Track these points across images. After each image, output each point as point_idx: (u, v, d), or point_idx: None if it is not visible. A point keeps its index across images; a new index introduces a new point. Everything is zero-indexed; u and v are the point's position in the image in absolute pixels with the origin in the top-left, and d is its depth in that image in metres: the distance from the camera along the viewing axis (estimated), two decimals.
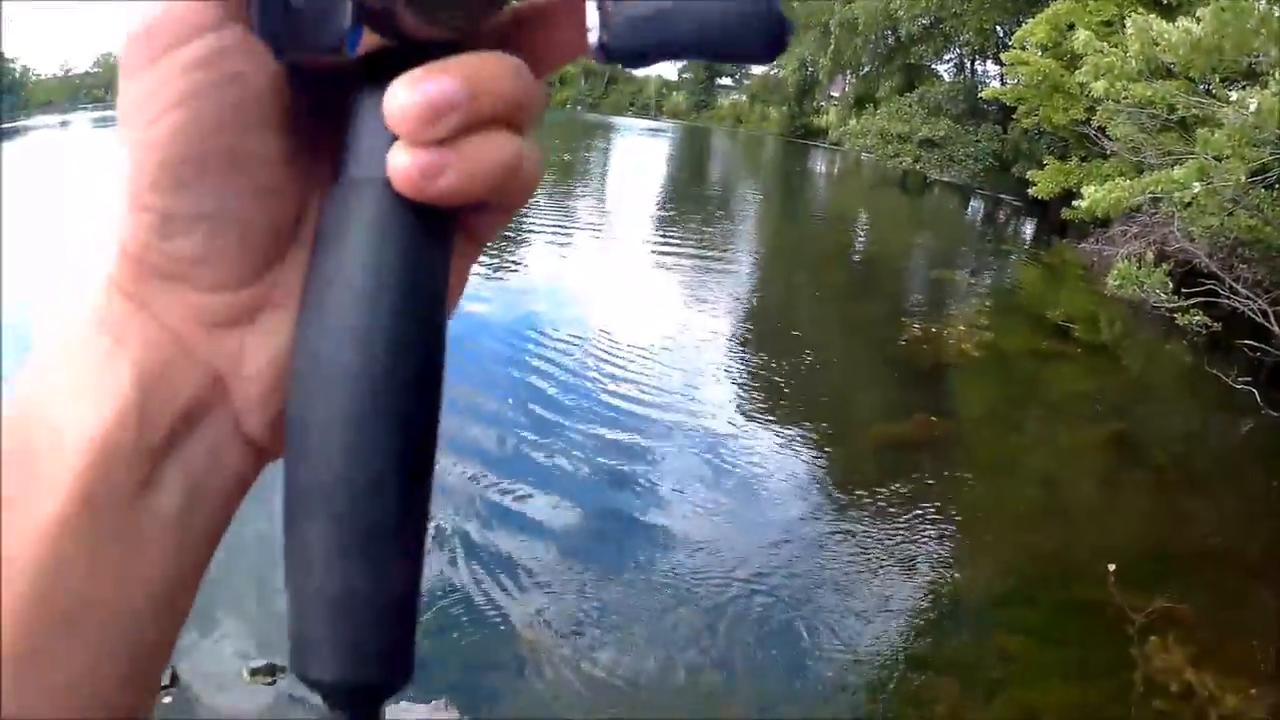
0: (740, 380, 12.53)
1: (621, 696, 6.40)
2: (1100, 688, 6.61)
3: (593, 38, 0.44)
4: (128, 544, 0.39)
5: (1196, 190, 12.24)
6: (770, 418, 11.21)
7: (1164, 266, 13.81)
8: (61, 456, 0.38)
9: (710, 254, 20.25)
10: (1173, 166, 13.09)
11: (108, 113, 64.53)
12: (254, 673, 6.39)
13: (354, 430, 0.41)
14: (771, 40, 0.44)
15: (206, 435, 0.43)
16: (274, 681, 6.38)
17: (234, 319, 0.44)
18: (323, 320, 0.42)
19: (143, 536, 0.40)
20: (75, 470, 0.38)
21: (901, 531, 8.70)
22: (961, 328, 15.16)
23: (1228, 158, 11.67)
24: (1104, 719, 6.40)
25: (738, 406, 11.51)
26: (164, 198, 0.41)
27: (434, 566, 7.80)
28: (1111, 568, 7.96)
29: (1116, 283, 14.05)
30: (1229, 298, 12.90)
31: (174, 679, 6.22)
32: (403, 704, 6.03)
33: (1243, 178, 11.57)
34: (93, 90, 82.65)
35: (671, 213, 26.15)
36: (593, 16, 0.43)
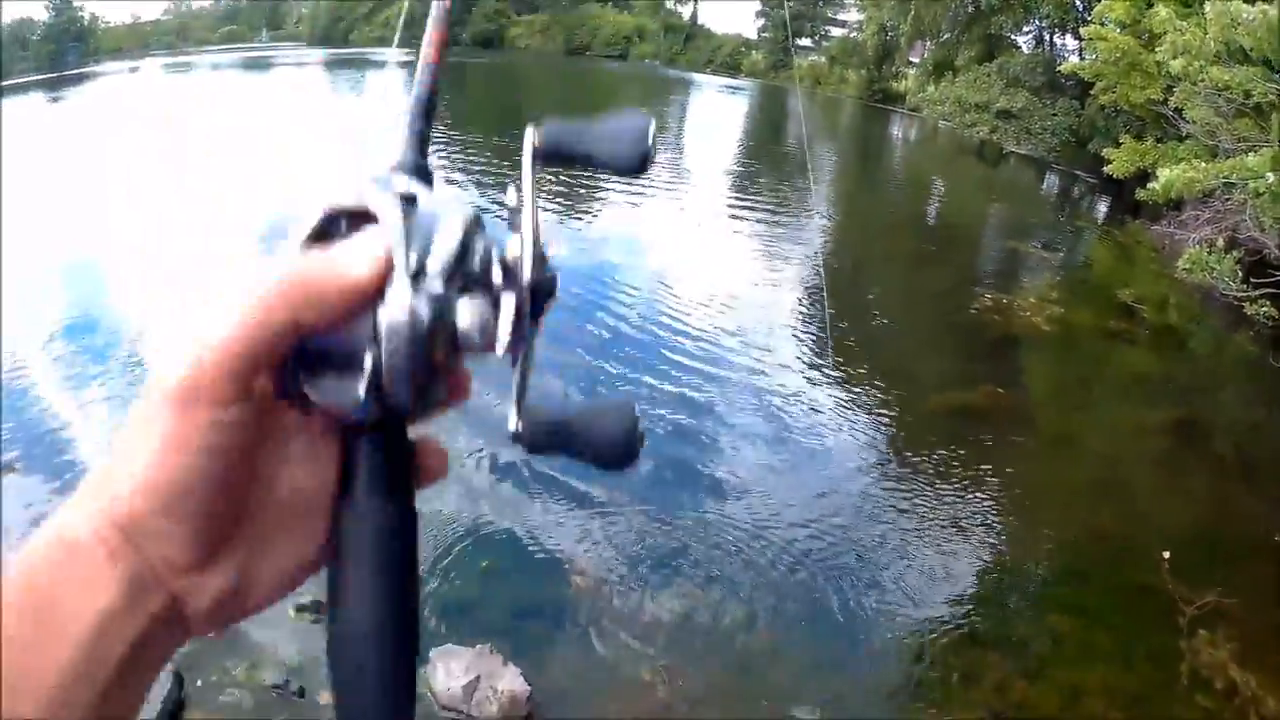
0: (807, 339, 12.84)
1: (667, 644, 6.68)
2: (1145, 676, 6.71)
3: (510, 426, 0.65)
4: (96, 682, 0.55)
5: (1270, 180, 12.38)
6: (835, 376, 11.53)
7: (1234, 254, 14.05)
8: (70, 624, 0.54)
9: (785, 213, 20.57)
10: (1247, 153, 13.40)
11: (177, 59, 64.21)
12: (299, 609, 6.55)
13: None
14: (629, 453, 0.67)
15: (163, 628, 0.58)
16: (319, 619, 6.42)
17: (197, 568, 0.59)
18: (354, 613, 0.62)
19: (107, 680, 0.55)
20: (79, 637, 0.54)
21: (959, 500, 8.90)
22: (1032, 300, 15.31)
23: None
24: (1147, 709, 6.40)
25: (803, 364, 11.83)
26: (156, 520, 0.56)
27: (484, 510, 8.09)
28: (1166, 555, 7.94)
29: (1186, 267, 14.42)
30: None
31: None
32: (447, 646, 6.20)
33: None
34: (162, 37, 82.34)
35: (748, 170, 26.03)
36: (513, 418, 0.65)
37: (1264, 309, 13.16)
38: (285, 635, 6.40)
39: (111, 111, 20.70)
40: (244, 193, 17.18)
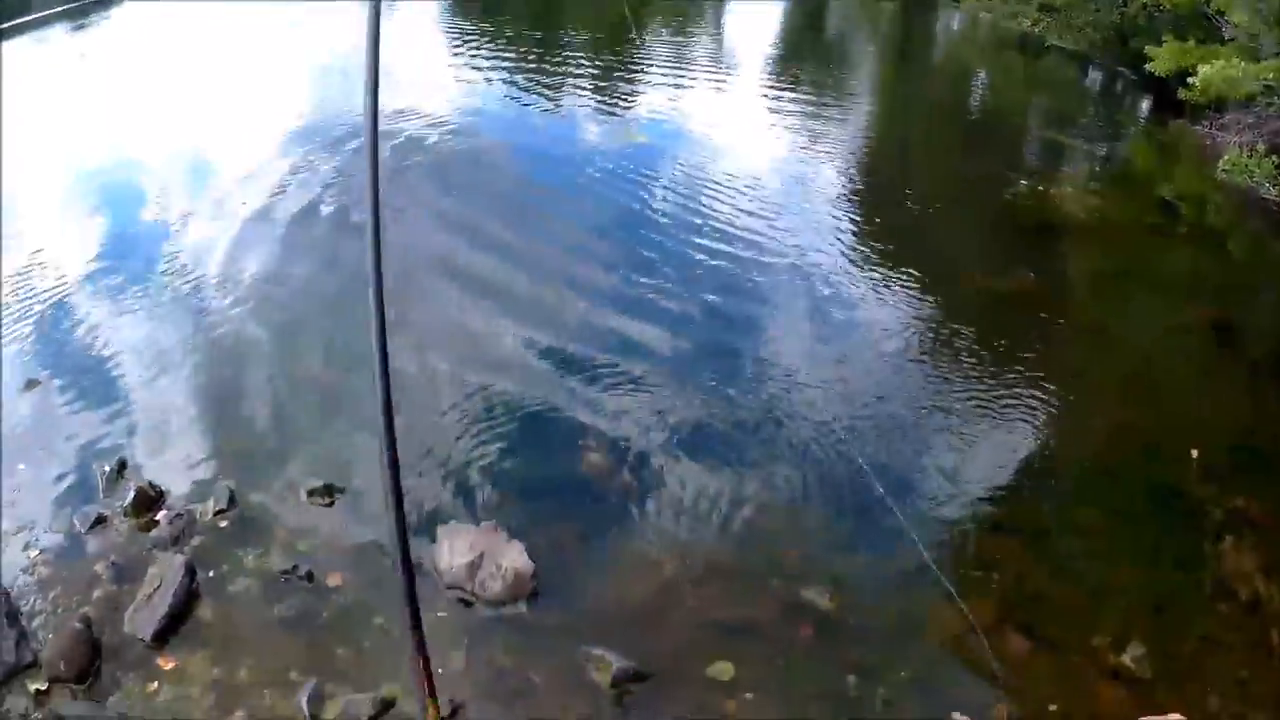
0: (847, 226, 12.75)
1: (678, 523, 6.77)
2: (1169, 580, 6.64)
3: None
4: None
5: None
6: (874, 262, 11.51)
7: (1274, 159, 13.97)
8: None
9: (825, 105, 20.14)
10: None
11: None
12: (311, 493, 6.75)
13: None
14: None
15: None
16: (332, 503, 6.70)
17: None
18: None
19: None
20: None
21: (992, 387, 8.86)
22: (1071, 191, 15.20)
23: None
24: (1168, 616, 6.31)
25: (843, 251, 11.79)
26: None
27: (497, 382, 8.20)
28: (1195, 453, 7.84)
29: (1226, 169, 14.44)
30: None
31: (231, 500, 6.62)
32: (453, 524, 6.32)
33: None
34: None
35: (787, 64, 25.87)
36: None
37: None
38: (294, 519, 6.53)
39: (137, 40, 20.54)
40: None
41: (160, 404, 7.89)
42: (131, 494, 6.60)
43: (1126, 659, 5.83)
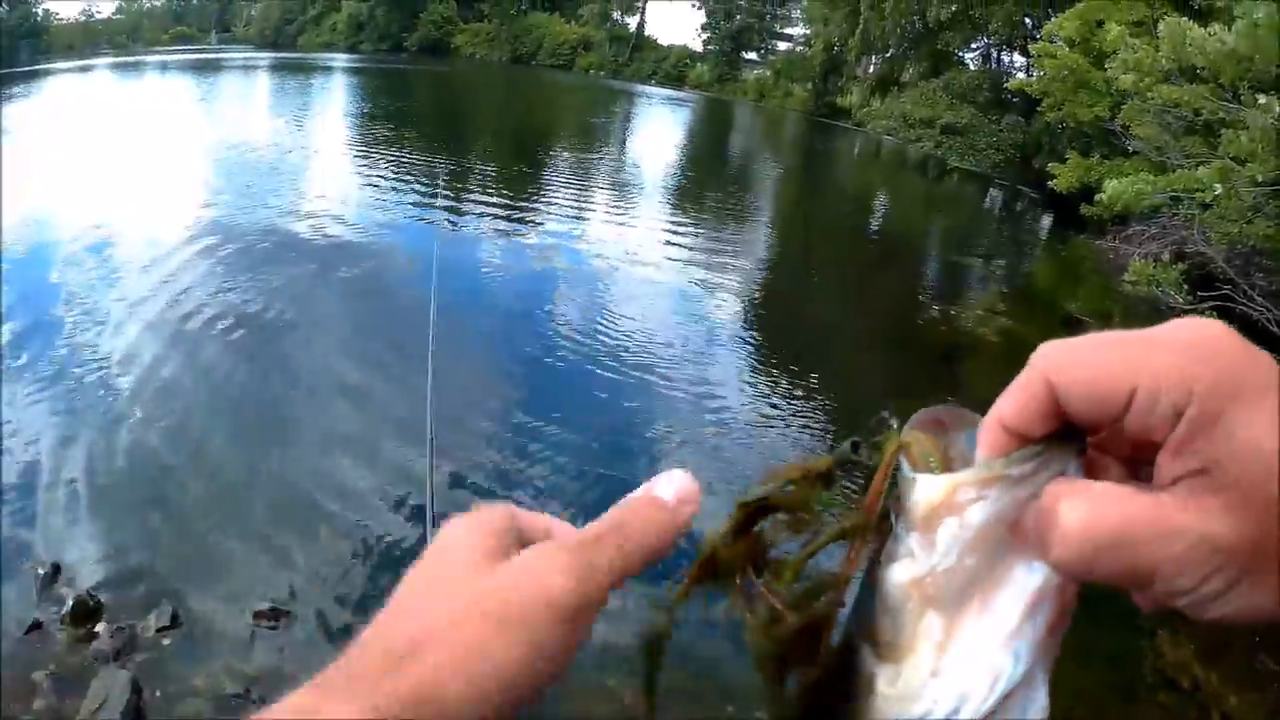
0: (751, 354, 12.57)
1: None
2: (1106, 677, 6.59)
3: None
4: None
5: (1219, 191, 12.36)
6: (782, 389, 11.28)
7: (1180, 267, 14.01)
8: None
9: (727, 228, 20.36)
10: (1195, 168, 13.32)
11: (127, 59, 64.42)
12: (257, 615, 6.41)
13: None
14: None
15: None
16: (276, 626, 6.38)
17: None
18: None
19: None
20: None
21: None
22: (979, 312, 15.32)
23: (1250, 162, 11.85)
24: (1111, 708, 6.44)
25: (748, 380, 11.57)
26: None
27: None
28: None
29: (1132, 280, 14.34)
30: (1244, 305, 12.90)
31: (175, 618, 6.28)
32: None
33: (1259, 177, 11.68)
34: (115, 36, 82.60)
35: (689, 185, 26.15)
36: None
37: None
38: (241, 639, 6.29)
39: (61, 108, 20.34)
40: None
41: (91, 508, 7.63)
42: (70, 603, 6.32)
43: None
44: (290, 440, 8.72)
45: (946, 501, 0.61)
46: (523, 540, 0.68)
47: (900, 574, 0.64)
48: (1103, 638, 6.77)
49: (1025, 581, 0.61)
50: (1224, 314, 12.79)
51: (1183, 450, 0.55)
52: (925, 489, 0.63)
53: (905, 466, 0.66)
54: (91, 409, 9.18)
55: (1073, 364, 0.58)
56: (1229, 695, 6.44)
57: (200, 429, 9.02)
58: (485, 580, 0.62)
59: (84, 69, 49.23)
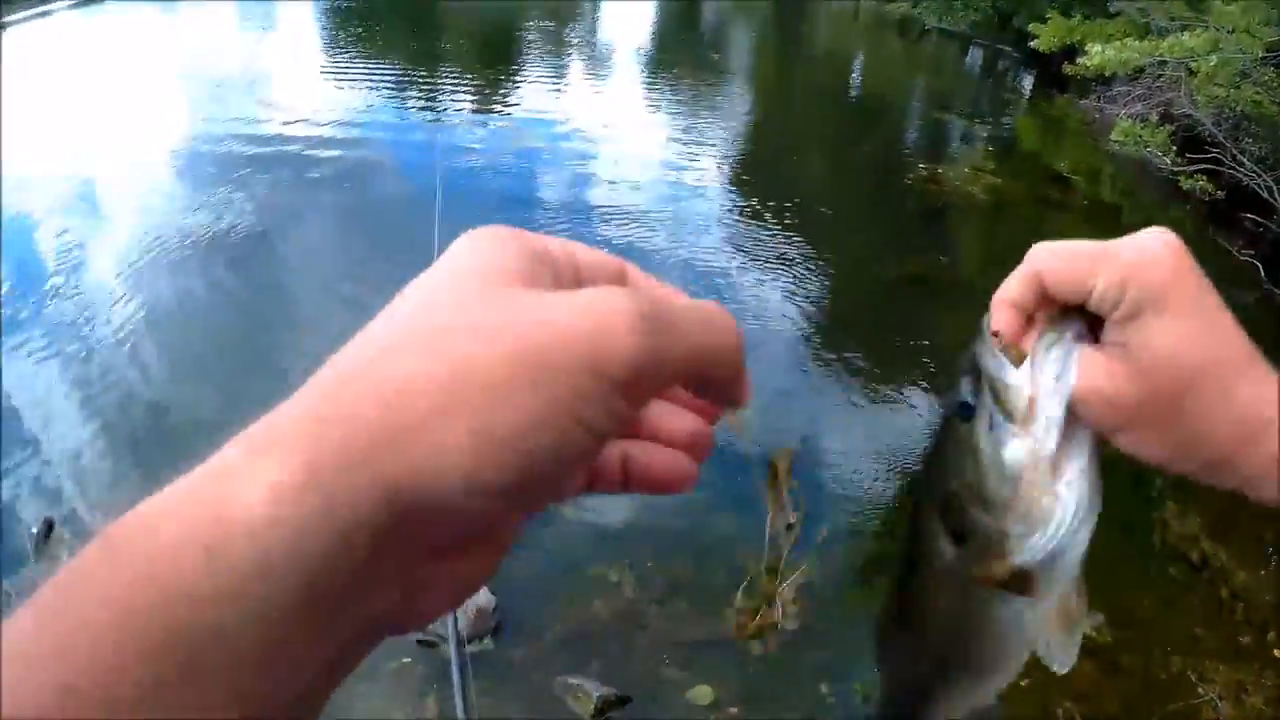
0: (738, 220, 12.69)
1: (630, 540, 6.69)
2: (1118, 547, 6.65)
3: None
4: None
5: (1214, 62, 12.40)
6: (772, 253, 11.45)
7: (1167, 128, 14.13)
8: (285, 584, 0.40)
9: (706, 99, 20.23)
10: (1181, 31, 13.37)
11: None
12: None
13: None
14: None
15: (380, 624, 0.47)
16: None
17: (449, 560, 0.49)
18: None
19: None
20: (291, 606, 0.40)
21: (903, 368, 9.02)
22: (966, 171, 15.42)
23: (1239, 31, 11.98)
24: (1120, 580, 6.49)
25: (739, 247, 11.68)
26: (452, 494, 0.43)
27: None
28: None
29: (1119, 140, 14.47)
30: (1233, 169, 12.98)
31: None
32: None
33: (1260, 53, 11.82)
34: None
35: (666, 58, 25.90)
36: None
37: (1200, 183, 13.06)
38: None
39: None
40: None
41: (79, 458, 7.46)
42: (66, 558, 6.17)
43: (1088, 629, 5.89)
44: (295, 371, 7.87)
45: (1033, 394, 0.85)
46: (579, 279, 0.55)
47: (1016, 451, 0.86)
48: (1112, 505, 7.24)
49: (1084, 434, 0.86)
50: (1214, 176, 13.06)
51: (1114, 328, 0.83)
52: (1019, 381, 0.86)
53: (991, 357, 0.89)
54: (76, 349, 8.96)
55: (1055, 262, 0.87)
56: (1237, 571, 6.61)
57: (196, 365, 8.86)
58: (518, 312, 0.46)
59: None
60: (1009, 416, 0.86)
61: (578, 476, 0.55)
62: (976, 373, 0.89)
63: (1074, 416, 0.84)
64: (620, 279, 0.59)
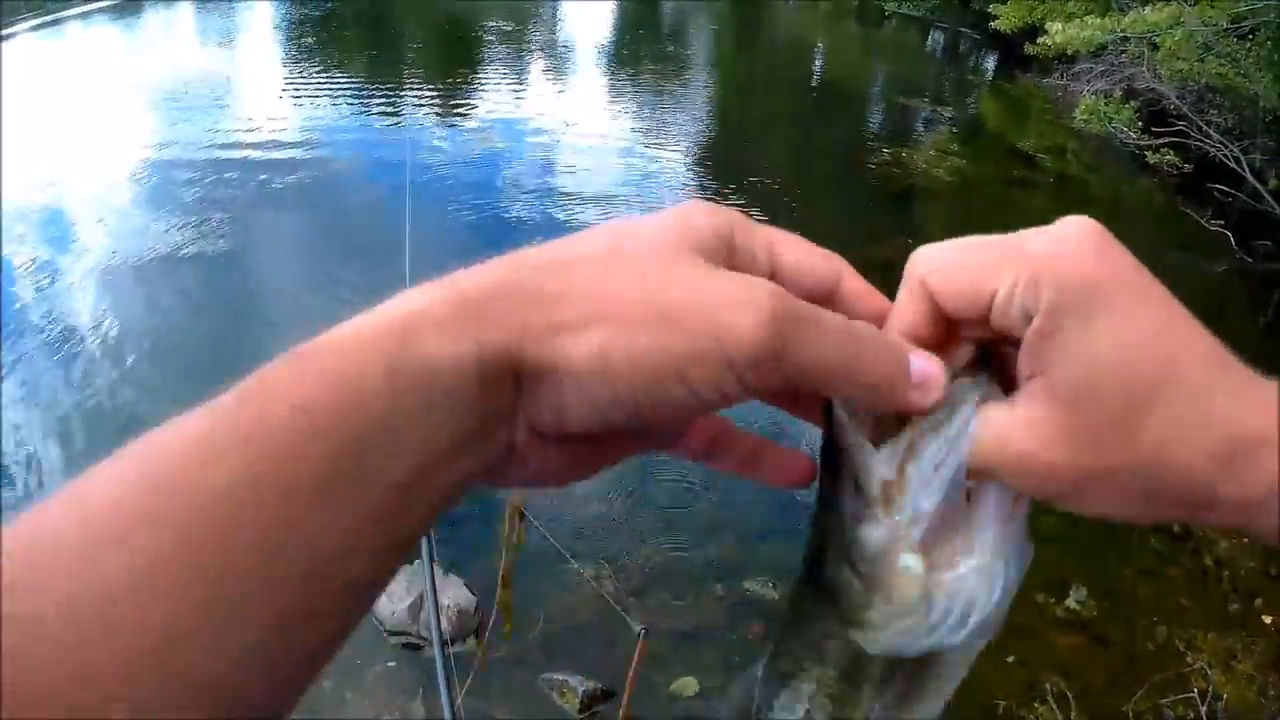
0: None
1: (609, 534, 6.72)
2: (1098, 529, 6.49)
3: None
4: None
5: (1178, 36, 12.48)
6: None
7: (1132, 104, 14.29)
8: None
9: (666, 92, 20.26)
10: (1142, 6, 13.46)
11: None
12: None
13: None
14: None
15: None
16: None
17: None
18: None
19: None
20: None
21: None
22: (931, 153, 15.51)
23: (1202, 3, 12.04)
24: (1102, 555, 6.54)
25: None
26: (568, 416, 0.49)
27: None
28: None
29: (1084, 118, 14.64)
30: (1200, 141, 13.03)
31: None
32: None
33: (1224, 23, 11.89)
34: None
35: (625, 53, 25.92)
36: None
37: (1168, 157, 13.22)
38: None
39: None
40: None
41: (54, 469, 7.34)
42: None
43: (1071, 603, 6.03)
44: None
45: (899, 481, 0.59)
46: (770, 269, 0.60)
47: (875, 533, 0.59)
48: None
49: (997, 498, 0.59)
50: (1180, 149, 13.21)
51: (1030, 352, 0.55)
52: (880, 470, 0.59)
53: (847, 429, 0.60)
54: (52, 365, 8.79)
55: (942, 267, 0.60)
56: (1219, 540, 6.66)
57: (169, 380, 8.59)
58: (679, 273, 0.51)
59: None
60: (868, 503, 0.60)
61: (677, 426, 0.59)
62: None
63: (986, 484, 0.59)
64: (834, 281, 0.64)
